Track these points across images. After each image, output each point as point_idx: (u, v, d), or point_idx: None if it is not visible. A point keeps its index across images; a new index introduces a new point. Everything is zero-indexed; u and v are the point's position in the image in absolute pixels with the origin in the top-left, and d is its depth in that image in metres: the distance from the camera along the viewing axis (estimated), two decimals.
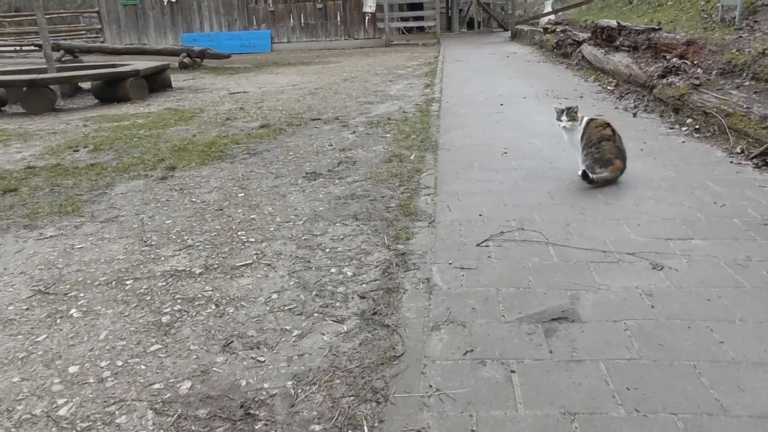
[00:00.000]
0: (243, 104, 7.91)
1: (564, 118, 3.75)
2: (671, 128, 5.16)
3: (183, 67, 13.16)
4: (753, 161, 4.00)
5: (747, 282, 2.40)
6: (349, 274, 2.70)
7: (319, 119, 6.52)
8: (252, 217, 3.51)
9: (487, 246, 2.90)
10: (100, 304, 2.52)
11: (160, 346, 2.18)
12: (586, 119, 3.78)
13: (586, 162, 3.71)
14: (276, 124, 6.29)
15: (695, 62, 6.21)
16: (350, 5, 17.93)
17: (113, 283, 2.72)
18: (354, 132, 5.76)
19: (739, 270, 2.51)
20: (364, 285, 2.58)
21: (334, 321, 2.30)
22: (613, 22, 8.81)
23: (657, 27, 7.61)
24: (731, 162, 4.06)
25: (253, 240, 3.15)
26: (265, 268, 2.79)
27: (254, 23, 18.72)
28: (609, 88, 7.44)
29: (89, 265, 2.92)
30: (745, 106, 4.59)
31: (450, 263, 2.73)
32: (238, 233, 3.26)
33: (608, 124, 3.73)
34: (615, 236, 2.93)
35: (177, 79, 10.68)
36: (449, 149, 4.84)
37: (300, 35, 18.54)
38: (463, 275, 2.60)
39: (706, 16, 7.68)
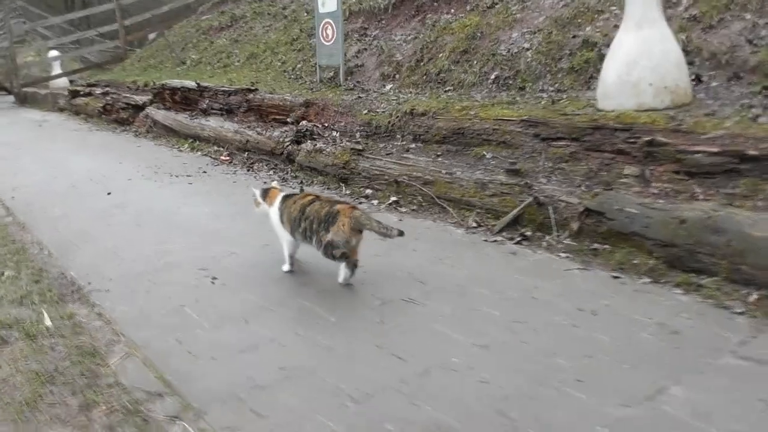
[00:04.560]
0: None
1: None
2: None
3: None
4: (502, 236, 3.48)
5: None
6: None
7: None
8: None
9: None
10: None
11: None
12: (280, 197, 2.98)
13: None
14: None
15: (325, 125, 5.62)
16: None
17: None
18: None
19: None
20: None
21: None
22: (191, 83, 7.60)
23: (253, 87, 6.79)
24: (485, 241, 3.44)
25: None
26: None
27: None
28: (223, 158, 6.18)
29: None
30: (444, 171, 4.10)
31: None
32: None
33: (310, 194, 2.99)
34: None
35: None
36: (108, 289, 2.73)
37: None
38: None
39: (293, 76, 7.29)
